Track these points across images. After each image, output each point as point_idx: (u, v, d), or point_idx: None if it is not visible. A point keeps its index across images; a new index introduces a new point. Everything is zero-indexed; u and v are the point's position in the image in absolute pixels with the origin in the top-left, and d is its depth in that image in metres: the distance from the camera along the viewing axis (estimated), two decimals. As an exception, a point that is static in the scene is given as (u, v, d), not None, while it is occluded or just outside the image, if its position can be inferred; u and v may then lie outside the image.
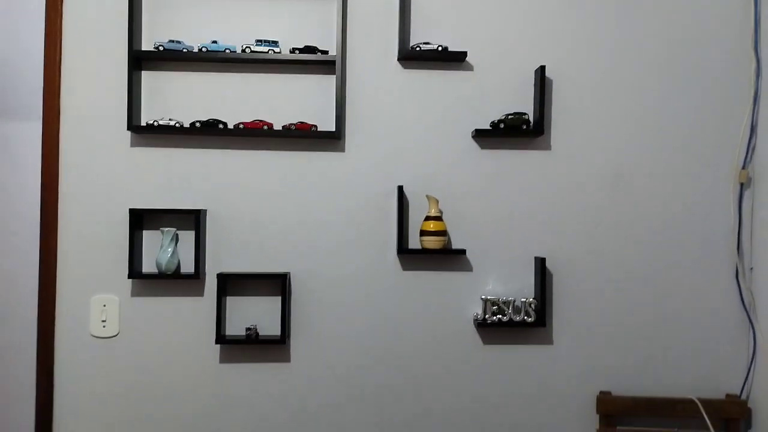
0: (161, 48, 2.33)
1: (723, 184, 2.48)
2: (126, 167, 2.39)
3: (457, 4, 2.45)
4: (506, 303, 2.39)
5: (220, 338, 2.35)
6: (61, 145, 2.38)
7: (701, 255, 2.49)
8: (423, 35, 2.44)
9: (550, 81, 2.45)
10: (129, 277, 2.32)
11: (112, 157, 2.39)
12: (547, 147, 2.47)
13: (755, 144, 2.46)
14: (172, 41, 2.33)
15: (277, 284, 2.40)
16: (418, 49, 2.37)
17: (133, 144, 2.40)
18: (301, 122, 2.36)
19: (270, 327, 2.40)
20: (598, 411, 2.45)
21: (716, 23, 2.48)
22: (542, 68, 2.38)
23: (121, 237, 2.37)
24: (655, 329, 2.48)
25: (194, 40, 2.38)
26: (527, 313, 2.38)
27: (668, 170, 2.48)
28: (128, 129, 2.32)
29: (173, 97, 2.41)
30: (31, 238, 2.39)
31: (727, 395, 2.46)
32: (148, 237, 2.41)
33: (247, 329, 2.38)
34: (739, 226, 2.47)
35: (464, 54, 2.37)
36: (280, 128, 2.38)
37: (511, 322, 2.38)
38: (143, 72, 2.40)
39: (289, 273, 2.41)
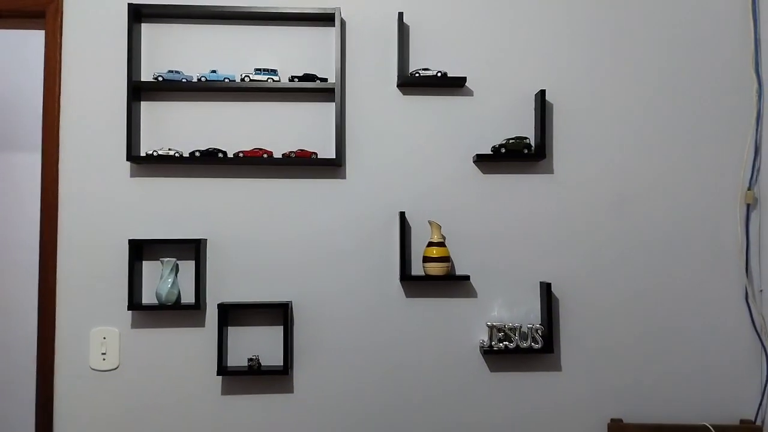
0: (161, 78, 2.33)
1: (729, 205, 2.45)
2: (125, 198, 2.38)
3: (455, 29, 2.45)
4: (512, 329, 2.35)
5: (222, 369, 2.31)
6: (61, 176, 2.37)
7: (710, 278, 2.45)
8: (422, 61, 2.44)
9: (551, 105, 2.44)
10: (129, 309, 2.30)
11: (112, 188, 2.38)
12: (549, 171, 2.45)
13: (760, 164, 2.43)
14: (172, 71, 2.33)
15: (279, 314, 2.37)
16: (417, 75, 2.36)
17: (133, 174, 2.39)
18: (301, 150, 2.35)
19: (272, 357, 2.36)
20: (608, 439, 2.39)
21: (717, 45, 2.47)
22: (542, 92, 2.37)
23: (120, 268, 2.35)
24: (665, 354, 2.43)
25: (193, 69, 2.39)
26: (534, 340, 2.34)
27: (673, 192, 2.45)
28: (127, 159, 2.31)
29: (173, 127, 2.40)
30: (31, 268, 2.38)
31: (742, 421, 2.40)
32: (148, 267, 2.38)
33: (249, 360, 2.34)
34: (747, 247, 2.43)
35: (463, 79, 2.37)
36: (280, 156, 2.37)
37: (518, 348, 2.34)
38: (142, 102, 2.40)
39: (291, 302, 2.37)
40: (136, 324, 2.37)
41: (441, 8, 2.45)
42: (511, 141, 2.36)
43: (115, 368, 2.36)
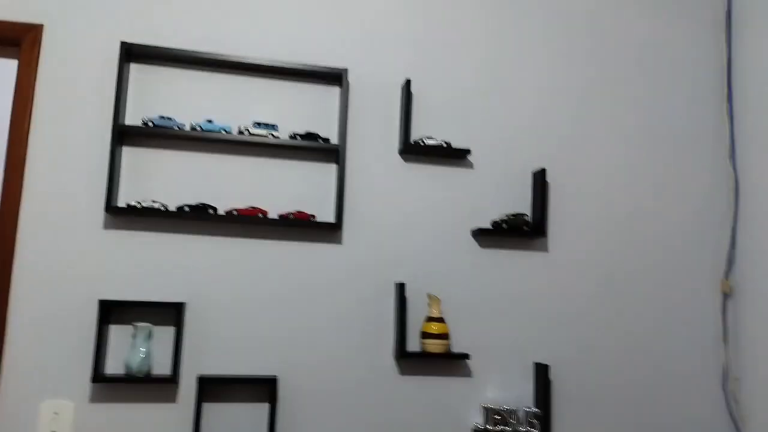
0: (151, 124, 2.13)
1: (708, 293, 2.55)
2: (96, 251, 2.12)
3: (457, 100, 2.44)
4: (509, 413, 2.26)
5: (196, 453, 2.05)
6: (20, 222, 2.08)
7: (690, 364, 2.50)
8: (423, 130, 2.40)
9: (546, 183, 2.46)
10: (93, 381, 2.00)
11: (80, 240, 2.11)
12: (545, 249, 2.44)
13: (734, 256, 2.56)
14: (163, 118, 2.14)
15: (264, 390, 2.16)
16: (421, 143, 2.31)
17: (107, 226, 2.14)
18: (299, 211, 2.21)
19: (251, 438, 2.13)
20: None
21: (697, 143, 2.62)
22: (542, 171, 2.38)
23: (80, 331, 2.07)
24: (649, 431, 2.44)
25: (185, 117, 2.21)
26: (531, 424, 2.26)
27: (657, 278, 2.52)
28: (106, 210, 2.07)
29: (156, 177, 2.19)
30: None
31: (721, 508, 2.42)
32: (116, 332, 2.11)
33: (226, 441, 2.10)
34: (724, 334, 2.52)
35: (467, 151, 2.34)
36: (276, 216, 2.21)
37: (513, 432, 2.25)
38: (124, 148, 2.18)
39: (277, 377, 2.17)
40: (95, 397, 2.07)
41: (446, 79, 2.44)
42: (511, 217, 2.34)
43: (66, 449, 2.04)
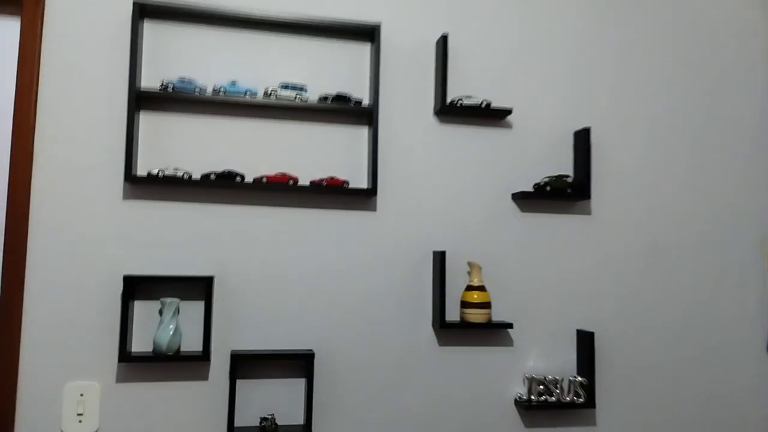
0: (170, 88, 1.98)
1: (756, 258, 2.44)
2: (116, 224, 1.99)
3: (496, 57, 2.29)
4: (554, 382, 2.17)
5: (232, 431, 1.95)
6: (32, 195, 1.94)
7: (736, 331, 2.41)
8: (460, 88, 2.25)
9: (589, 143, 2.32)
10: (120, 361, 1.89)
11: (99, 213, 1.98)
12: (588, 212, 2.32)
13: (784, 214, 2.45)
14: (183, 80, 1.99)
15: (300, 365, 2.06)
16: (459, 103, 2.17)
17: (127, 196, 2.00)
18: (332, 177, 2.07)
19: (288, 415, 2.04)
20: (644, 498, 2.26)
21: (744, 99, 2.48)
22: (586, 130, 2.25)
23: (104, 309, 1.95)
24: (693, 409, 2.35)
25: (207, 79, 2.06)
26: (576, 393, 2.17)
27: (702, 243, 2.41)
28: (126, 180, 1.93)
29: (177, 144, 2.04)
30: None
31: (768, 474, 2.36)
32: (140, 309, 1.99)
33: (263, 419, 2.00)
34: (771, 296, 2.43)
35: (509, 111, 2.20)
36: (307, 183, 2.08)
37: (559, 402, 2.16)
38: (141, 113, 2.03)
39: (313, 351, 2.06)
40: (122, 377, 1.96)
41: (483, 35, 2.28)
42: (554, 179, 2.22)
43: (95, 432, 1.94)
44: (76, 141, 1.98)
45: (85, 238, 1.96)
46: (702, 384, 2.37)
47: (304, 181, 2.10)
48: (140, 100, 1.99)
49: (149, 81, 2.03)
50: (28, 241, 1.93)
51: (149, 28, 2.04)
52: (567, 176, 2.24)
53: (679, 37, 2.45)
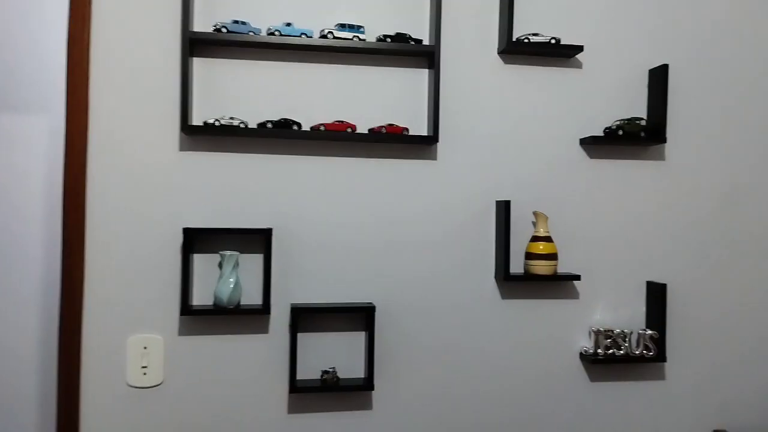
0: (224, 30, 1.88)
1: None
2: (173, 176, 1.93)
3: (564, -9, 2.13)
4: (622, 335, 2.09)
5: (294, 385, 1.93)
6: (90, 148, 1.89)
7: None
8: (523, 26, 2.10)
9: (666, 82, 2.15)
10: (182, 314, 1.86)
11: (156, 164, 1.92)
12: (661, 157, 2.19)
13: None
14: (237, 22, 1.89)
15: (359, 318, 2.02)
16: (525, 41, 2.02)
17: (183, 148, 1.94)
18: (391, 124, 1.97)
19: (348, 369, 2.01)
20: (713, 452, 2.20)
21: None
22: (664, 68, 2.09)
23: (164, 262, 1.92)
24: (765, 360, 2.26)
25: (259, 21, 1.95)
26: (646, 347, 2.09)
27: (783, 184, 2.26)
28: (182, 130, 1.86)
29: (231, 91, 1.96)
30: (50, 262, 1.89)
31: (844, 429, 2.27)
32: (199, 262, 1.96)
33: (324, 372, 1.97)
34: None
35: (580, 48, 2.05)
36: (366, 131, 1.99)
37: (627, 356, 2.09)
38: (194, 59, 1.94)
39: (374, 305, 2.01)
40: (184, 330, 1.95)
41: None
42: (626, 122, 2.08)
43: (159, 384, 1.93)
44: (129, 90, 1.91)
45: (143, 191, 1.91)
46: (777, 337, 2.26)
47: (362, 128, 2.01)
48: (193, 45, 1.90)
49: (201, 26, 1.93)
50: (86, 195, 1.89)
51: (198, -33, 1.93)
52: (641, 119, 2.10)
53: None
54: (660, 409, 2.19)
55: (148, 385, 1.93)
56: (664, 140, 2.09)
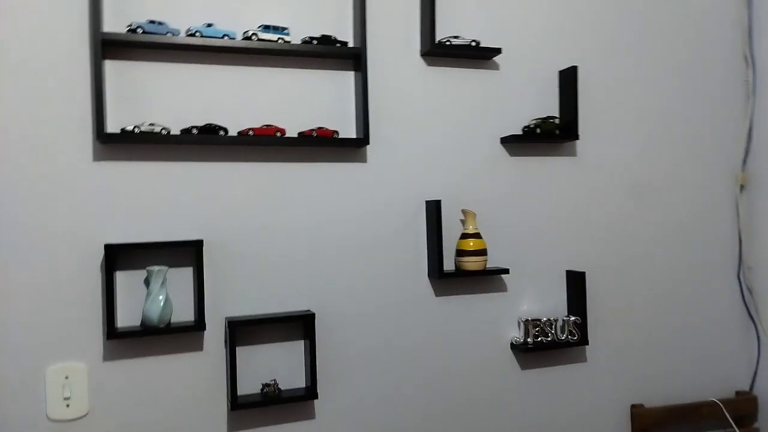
0: (140, 30, 1.76)
1: (726, 187, 2.53)
2: (87, 188, 1.78)
3: (479, -6, 2.20)
4: (549, 323, 2.20)
5: (235, 402, 1.85)
6: (-11, 161, 1.71)
7: (709, 255, 2.51)
8: (442, 29, 2.14)
9: (576, 83, 2.27)
10: (108, 338, 1.73)
11: (67, 176, 1.76)
12: (574, 153, 2.32)
13: (750, 147, 2.53)
14: (153, 22, 1.78)
15: (297, 327, 1.97)
16: (447, 43, 2.07)
17: (98, 157, 1.79)
18: (321, 128, 1.94)
19: (288, 379, 1.96)
20: (632, 424, 2.36)
21: (714, 34, 2.52)
22: (574, 69, 2.21)
23: (83, 283, 1.77)
24: (673, 337, 2.46)
25: (178, 22, 1.85)
26: (571, 333, 2.21)
27: (679, 176, 2.46)
28: (98, 139, 1.73)
29: (149, 97, 1.84)
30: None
31: (737, 392, 2.51)
32: (122, 280, 1.82)
33: (265, 385, 1.91)
34: (739, 225, 2.54)
35: (498, 50, 2.12)
36: (295, 135, 1.94)
37: (554, 342, 2.19)
38: (106, 61, 1.80)
39: (313, 312, 1.97)
40: (109, 355, 1.81)
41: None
42: (542, 121, 2.18)
43: (84, 416, 1.78)
44: (35, 99, 1.73)
45: (53, 205, 1.75)
46: (680, 305, 2.47)
47: (290, 132, 1.96)
48: (105, 47, 1.76)
49: (112, 26, 1.80)
50: (-14, 213, 1.71)
51: (107, -36, 1.80)
52: (554, 118, 2.21)
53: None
54: (584, 389, 2.33)
55: (72, 418, 1.77)
56: (576, 137, 2.21)
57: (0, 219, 1.71)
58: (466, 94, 2.17)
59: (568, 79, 2.23)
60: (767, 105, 2.47)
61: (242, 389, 1.91)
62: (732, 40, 2.54)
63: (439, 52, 2.09)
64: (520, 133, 2.21)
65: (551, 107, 2.28)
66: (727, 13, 2.53)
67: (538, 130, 2.17)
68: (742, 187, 2.53)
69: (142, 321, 1.80)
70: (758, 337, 2.53)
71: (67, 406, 1.76)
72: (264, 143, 1.89)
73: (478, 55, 2.14)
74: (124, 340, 1.81)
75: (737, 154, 2.54)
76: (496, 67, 2.21)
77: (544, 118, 2.19)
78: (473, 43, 2.09)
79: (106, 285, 1.74)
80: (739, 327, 2.56)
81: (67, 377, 1.76)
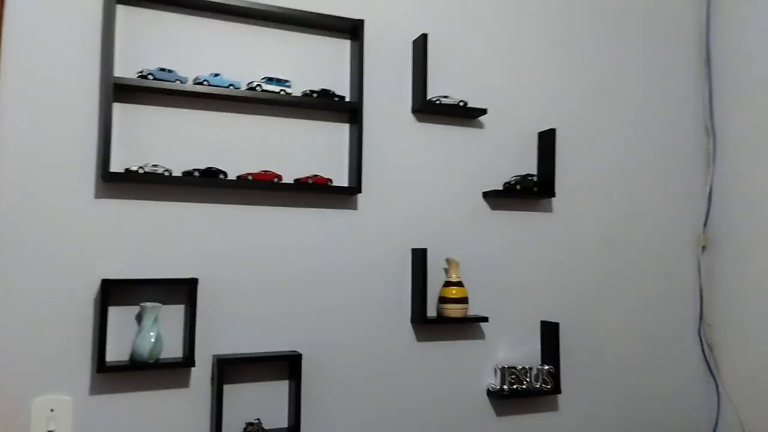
0: (150, 77, 1.85)
1: (689, 247, 2.70)
2: (87, 224, 1.83)
3: (468, 59, 2.35)
4: (524, 371, 2.29)
5: (220, 440, 1.88)
6: (-8, 193, 1.75)
7: (672, 312, 2.66)
8: (432, 89, 2.28)
9: (554, 143, 2.42)
10: (98, 371, 1.75)
11: (68, 211, 1.81)
12: (550, 209, 2.46)
13: (711, 211, 2.72)
14: (163, 70, 1.87)
15: (283, 367, 2.02)
16: (437, 102, 2.21)
17: (99, 195, 1.85)
18: (316, 175, 2.04)
19: (272, 418, 1.99)
20: (601, 474, 2.44)
21: (678, 108, 2.73)
22: (553, 131, 2.37)
23: (74, 316, 1.81)
24: (638, 389, 2.58)
25: (184, 70, 1.95)
26: (545, 381, 2.30)
27: (644, 233, 2.63)
28: (102, 177, 1.79)
29: (153, 139, 1.92)
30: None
31: (699, 445, 2.63)
32: (115, 315, 1.85)
33: (248, 424, 1.94)
34: (701, 285, 2.70)
35: (484, 111, 2.27)
36: (291, 181, 2.03)
37: (528, 390, 2.28)
38: (114, 104, 1.87)
39: (301, 353, 2.02)
40: (96, 389, 1.83)
41: (458, 35, 2.34)
42: (522, 178, 2.32)
43: (68, 450, 1.79)
44: (43, 135, 1.80)
45: (55, 241, 1.79)
46: (646, 366, 2.59)
47: (286, 179, 2.05)
48: (116, 91, 1.84)
49: (123, 71, 1.88)
50: (-15, 244, 1.74)
51: (123, 12, 1.89)
52: (532, 175, 2.36)
53: (628, 44, 2.65)
54: (555, 437, 2.41)
55: (56, 452, 1.77)
56: (553, 194, 2.36)
57: (2, 253, 1.74)
58: (452, 150, 2.31)
59: (547, 140, 2.39)
60: (726, 171, 2.67)
61: (227, 428, 1.94)
62: (694, 112, 2.76)
63: (429, 109, 2.23)
64: (501, 188, 2.34)
65: (530, 165, 2.43)
66: (690, 88, 2.76)
67: (518, 187, 2.31)
68: (703, 248, 2.70)
69: (131, 356, 1.83)
70: (718, 392, 2.66)
71: (52, 440, 1.77)
72: (261, 188, 1.98)
73: (465, 114, 2.28)
74: (112, 375, 1.83)
75: (699, 215, 2.72)
76: (481, 126, 2.36)
77: (524, 176, 2.33)
78: (461, 103, 2.23)
79: (101, 319, 1.77)
80: (700, 381, 2.69)
81: (52, 410, 1.77)
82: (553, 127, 2.44)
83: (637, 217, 2.61)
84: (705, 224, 2.72)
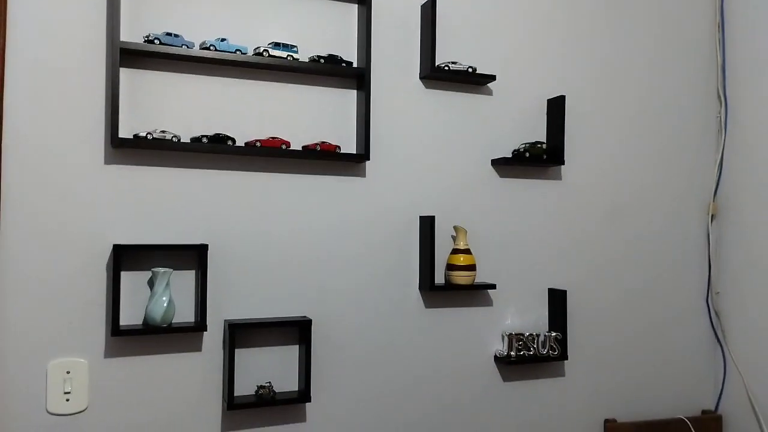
0: (157, 42, 1.84)
1: (699, 215, 2.69)
2: (98, 190, 1.85)
3: (477, 24, 2.32)
4: (531, 338, 2.31)
5: (231, 402, 1.91)
6: (4, 163, 1.76)
7: (679, 282, 2.66)
8: (440, 55, 2.26)
9: (563, 110, 2.41)
10: (113, 335, 1.79)
11: (79, 177, 1.83)
12: (559, 177, 2.45)
13: (721, 180, 2.70)
14: (170, 34, 1.86)
15: (293, 332, 2.05)
16: (446, 68, 2.19)
17: (109, 161, 1.86)
18: (325, 142, 2.04)
19: (282, 382, 2.03)
20: (606, 438, 2.48)
21: (688, 73, 2.69)
22: (562, 98, 2.35)
23: (89, 281, 1.83)
24: (645, 355, 2.59)
25: (191, 35, 1.94)
26: (552, 348, 2.32)
27: (653, 201, 2.61)
28: (112, 144, 1.80)
29: (161, 105, 1.92)
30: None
31: (703, 411, 2.65)
32: (128, 280, 1.88)
33: (259, 387, 1.97)
34: (709, 254, 2.69)
35: (493, 77, 2.25)
36: (300, 148, 2.03)
37: (535, 356, 2.30)
38: (122, 70, 1.87)
39: (311, 319, 2.05)
40: (110, 352, 1.86)
41: (470, 0, 2.31)
42: (530, 145, 2.31)
43: (83, 411, 1.83)
44: (50, 101, 1.80)
45: (64, 205, 1.81)
46: (652, 326, 2.60)
47: (294, 145, 2.05)
48: (122, 56, 1.84)
49: (127, 36, 1.88)
50: (2, 212, 1.75)
51: (128, -23, 1.88)
52: (542, 143, 2.35)
53: (643, 9, 2.60)
54: (561, 403, 2.44)
55: (71, 412, 1.81)
56: (562, 162, 2.35)
57: (11, 215, 1.76)
58: (460, 117, 2.29)
59: (556, 107, 2.37)
60: (737, 140, 2.64)
61: (238, 390, 1.97)
62: (707, 80, 2.72)
63: (437, 76, 2.21)
64: (510, 156, 2.33)
65: (539, 133, 2.42)
66: (703, 55, 2.71)
67: (527, 154, 2.30)
68: (713, 217, 2.69)
69: (144, 320, 1.86)
70: (724, 359, 2.67)
71: (67, 400, 1.81)
72: (270, 154, 1.98)
73: (473, 81, 2.27)
74: (126, 338, 1.87)
75: (709, 185, 2.70)
76: (489, 92, 2.34)
77: (533, 143, 2.32)
78: (470, 69, 2.21)
79: (114, 284, 1.79)
80: (707, 349, 2.70)
81: (68, 372, 1.81)
82: (562, 94, 2.42)
83: (646, 185, 2.60)
84: (715, 193, 2.70)
